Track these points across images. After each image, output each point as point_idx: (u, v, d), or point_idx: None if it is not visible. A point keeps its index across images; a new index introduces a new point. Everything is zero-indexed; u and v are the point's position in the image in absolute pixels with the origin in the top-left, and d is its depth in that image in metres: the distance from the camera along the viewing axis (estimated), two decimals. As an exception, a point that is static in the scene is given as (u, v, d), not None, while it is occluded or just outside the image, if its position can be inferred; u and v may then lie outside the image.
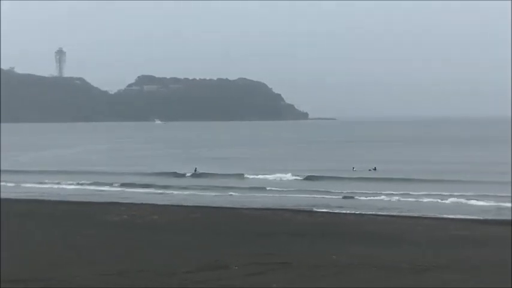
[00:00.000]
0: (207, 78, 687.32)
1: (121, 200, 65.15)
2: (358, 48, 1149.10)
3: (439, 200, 65.85)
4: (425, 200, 66.75)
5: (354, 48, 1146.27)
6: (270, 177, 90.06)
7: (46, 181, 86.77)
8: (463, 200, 65.90)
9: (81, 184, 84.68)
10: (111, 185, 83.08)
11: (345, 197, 70.25)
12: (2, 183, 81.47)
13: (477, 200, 66.02)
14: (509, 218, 53.49)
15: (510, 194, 67.36)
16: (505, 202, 63.85)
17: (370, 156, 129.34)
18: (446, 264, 28.28)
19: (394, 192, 72.41)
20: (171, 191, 76.46)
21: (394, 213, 56.21)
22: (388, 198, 68.59)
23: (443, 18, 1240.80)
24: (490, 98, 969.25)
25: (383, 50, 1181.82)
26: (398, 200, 67.43)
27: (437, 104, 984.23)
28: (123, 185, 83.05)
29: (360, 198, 69.10)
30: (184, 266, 27.01)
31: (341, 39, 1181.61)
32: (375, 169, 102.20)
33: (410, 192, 71.84)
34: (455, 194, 69.80)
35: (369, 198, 69.32)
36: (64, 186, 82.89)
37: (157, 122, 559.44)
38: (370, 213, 56.22)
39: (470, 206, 63.43)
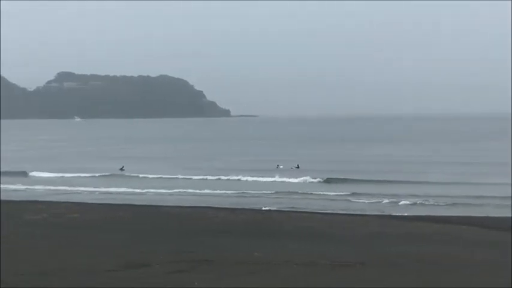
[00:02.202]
0: (128, 75, 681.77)
1: (40, 198, 64.01)
2: (287, 46, 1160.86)
3: (364, 200, 66.72)
4: (348, 198, 67.50)
5: (282, 46, 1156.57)
6: (196, 177, 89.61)
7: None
8: (385, 199, 66.96)
9: None
10: (27, 183, 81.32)
11: (268, 194, 70.51)
12: None
13: (398, 197, 67.26)
14: (428, 214, 54.80)
15: (423, 193, 68.98)
16: (423, 200, 65.25)
17: (294, 154, 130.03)
18: (366, 260, 28.55)
19: (316, 190, 73.14)
20: (92, 189, 75.42)
21: (317, 211, 56.58)
22: (311, 196, 69.08)
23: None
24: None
25: (316, 46, 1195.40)
26: (321, 198, 67.99)
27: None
28: (39, 183, 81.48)
29: (283, 195, 69.42)
30: (106, 264, 26.73)
31: (267, 37, 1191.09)
32: (297, 167, 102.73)
33: (333, 191, 72.58)
34: (373, 192, 71.04)
35: (294, 195, 69.71)
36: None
37: (77, 119, 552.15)
38: (293, 210, 56.46)
39: (390, 203, 64.51)
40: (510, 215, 52.57)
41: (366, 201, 66.07)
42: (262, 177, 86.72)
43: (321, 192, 71.55)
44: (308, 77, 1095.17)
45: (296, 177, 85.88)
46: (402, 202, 65.28)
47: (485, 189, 73.94)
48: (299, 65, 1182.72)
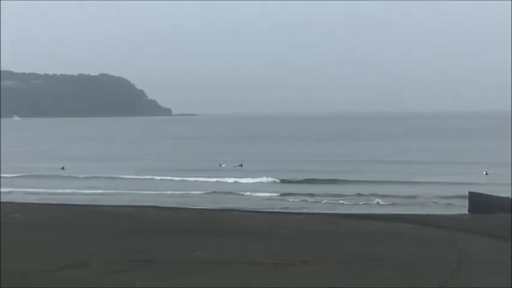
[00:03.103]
0: (68, 73, 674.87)
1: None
2: (228, 46, 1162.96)
3: (308, 199, 67.00)
4: (292, 197, 67.77)
5: (224, 46, 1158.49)
6: (137, 177, 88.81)
7: None
8: (329, 198, 67.37)
9: None
10: None
11: (211, 193, 70.39)
12: None
13: (341, 196, 67.79)
14: (370, 212, 55.20)
15: (366, 192, 69.55)
16: (366, 198, 65.83)
17: (238, 153, 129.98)
18: (309, 259, 28.44)
19: (260, 189, 73.30)
20: (32, 190, 74.27)
21: (260, 209, 56.57)
22: (255, 194, 69.21)
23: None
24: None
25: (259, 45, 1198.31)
26: (267, 197, 68.12)
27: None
28: None
29: (226, 194, 69.33)
30: (46, 265, 26.16)
31: (208, 38, 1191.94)
32: (241, 165, 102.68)
33: (277, 190, 72.77)
34: (317, 191, 71.38)
35: (236, 194, 69.68)
36: None
37: (16, 118, 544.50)
38: (235, 209, 56.34)
39: (333, 202, 64.98)
40: (450, 213, 53.25)
41: (310, 200, 66.37)
42: (205, 177, 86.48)
43: (265, 192, 71.54)
44: (250, 76, 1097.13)
45: (241, 177, 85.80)
46: (346, 201, 65.77)
47: (426, 187, 75.00)
48: (241, 63, 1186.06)
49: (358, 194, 68.93)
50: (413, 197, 67.77)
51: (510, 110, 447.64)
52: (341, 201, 64.73)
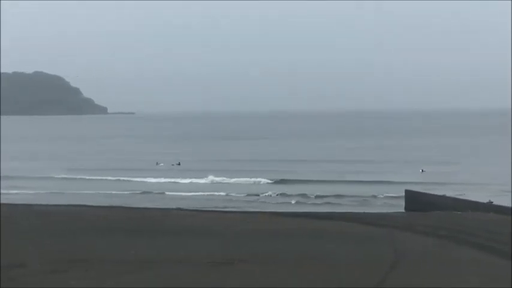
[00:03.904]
0: (2, 71, 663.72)
1: None
2: (162, 45, 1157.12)
3: (248, 197, 67.11)
4: (231, 195, 67.78)
5: (157, 46, 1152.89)
6: (75, 176, 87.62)
7: None
8: (268, 196, 67.61)
9: None
10: None
11: (148, 192, 69.91)
12: None
13: (280, 194, 68.04)
14: (309, 211, 55.42)
15: (303, 191, 69.89)
16: (305, 197, 66.12)
17: (174, 151, 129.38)
18: (247, 257, 28.32)
19: (198, 188, 73.15)
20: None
21: (199, 208, 56.39)
22: (193, 193, 69.01)
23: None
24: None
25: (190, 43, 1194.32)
26: (205, 195, 67.99)
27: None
28: None
29: (165, 193, 68.93)
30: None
31: (144, 39, 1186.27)
32: (179, 164, 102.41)
33: (217, 188, 72.70)
34: (257, 189, 71.50)
35: (173, 193, 69.36)
36: None
37: None
38: (173, 208, 55.99)
39: (272, 200, 65.25)
40: (387, 211, 53.70)
41: (250, 199, 66.54)
42: (142, 177, 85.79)
43: (204, 191, 71.34)
44: (186, 74, 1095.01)
45: (178, 177, 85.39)
46: (287, 199, 66.13)
47: (363, 186, 75.69)
48: (177, 62, 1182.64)
49: (299, 194, 69.26)
50: (352, 195, 68.26)
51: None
52: (281, 200, 64.95)
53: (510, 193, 58.08)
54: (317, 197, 66.61)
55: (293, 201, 64.15)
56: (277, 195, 67.74)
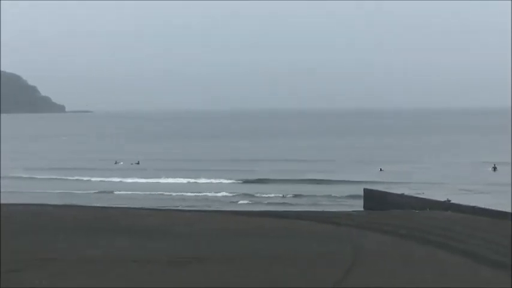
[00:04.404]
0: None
1: None
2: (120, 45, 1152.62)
3: (208, 195, 67.03)
4: (191, 193, 67.72)
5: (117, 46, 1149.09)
6: (34, 176, 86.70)
7: None
8: (227, 195, 67.63)
9: None
10: None
11: (102, 192, 69.51)
12: None
13: (238, 194, 68.09)
14: (267, 209, 55.46)
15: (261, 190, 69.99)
16: (262, 196, 66.19)
17: (133, 150, 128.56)
18: (205, 256, 28.21)
19: (158, 187, 72.83)
20: None
21: (157, 207, 56.15)
22: (153, 192, 68.79)
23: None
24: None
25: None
26: (165, 195, 67.77)
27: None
28: None
29: (120, 192, 68.49)
30: None
31: (101, 37, 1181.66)
32: (138, 163, 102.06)
33: (178, 188, 72.41)
34: (217, 188, 71.43)
35: (131, 192, 69.03)
36: None
37: None
38: (131, 207, 55.68)
39: (230, 199, 65.27)
40: (346, 210, 53.88)
41: (209, 196, 66.48)
42: (101, 176, 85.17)
43: (162, 191, 71.03)
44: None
45: (137, 176, 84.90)
46: (242, 198, 66.11)
47: (322, 185, 76.02)
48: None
49: (258, 193, 69.32)
50: (311, 194, 68.40)
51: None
52: (240, 200, 64.96)
53: (467, 192, 58.50)
54: (277, 196, 66.71)
55: (252, 201, 64.16)
56: (236, 195, 67.75)
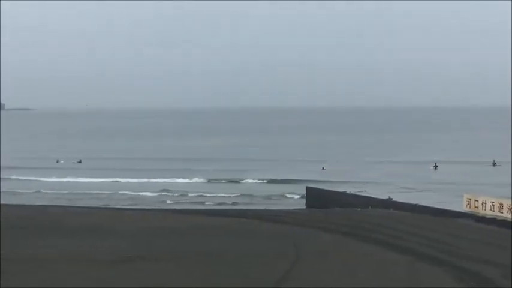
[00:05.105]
0: None
1: None
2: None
3: (148, 193, 66.67)
4: (133, 192, 67.38)
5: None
6: None
7: None
8: (166, 194, 67.34)
9: None
10: None
11: (40, 191, 68.74)
12: None
13: (179, 192, 67.83)
14: (205, 208, 55.35)
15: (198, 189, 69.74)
16: (200, 194, 66.07)
17: (75, 149, 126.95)
18: (147, 254, 28.17)
19: (99, 186, 72.03)
20: None
21: (100, 206, 55.65)
22: (92, 191, 68.16)
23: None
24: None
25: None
26: (106, 194, 67.18)
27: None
28: None
29: (48, 191, 67.90)
30: None
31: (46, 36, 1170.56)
32: (80, 162, 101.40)
33: (119, 187, 71.83)
34: (155, 187, 71.06)
35: (58, 191, 68.37)
36: None
37: None
38: (71, 206, 55.11)
39: (170, 197, 65.03)
40: (289, 208, 53.93)
41: (150, 195, 66.20)
42: (41, 175, 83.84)
43: (104, 190, 70.31)
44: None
45: (78, 175, 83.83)
46: (183, 197, 65.92)
47: (266, 184, 76.22)
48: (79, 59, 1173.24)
49: (203, 192, 69.14)
50: (255, 194, 68.37)
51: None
52: (183, 200, 64.69)
53: (409, 190, 58.87)
54: (219, 196, 66.51)
55: (196, 201, 63.98)
56: (180, 195, 67.46)
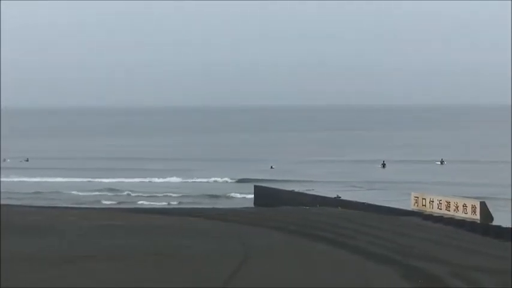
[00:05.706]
0: None
1: None
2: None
3: (90, 193, 66.23)
4: (81, 192, 66.99)
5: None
6: None
7: None
8: (110, 193, 67.03)
9: None
10: None
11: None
12: None
13: (124, 191, 67.56)
14: (154, 207, 54.94)
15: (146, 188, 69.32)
16: (150, 193, 65.58)
17: (21, 148, 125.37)
18: (96, 253, 27.80)
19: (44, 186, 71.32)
20: None
21: (43, 205, 54.91)
22: (40, 190, 67.68)
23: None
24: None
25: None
26: (43, 192, 66.64)
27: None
28: None
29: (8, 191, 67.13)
30: None
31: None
32: (27, 160, 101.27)
33: (68, 186, 71.26)
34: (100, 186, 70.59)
35: (18, 190, 67.79)
36: None
37: None
38: (19, 205, 54.37)
39: (121, 197, 64.73)
40: (236, 207, 53.77)
41: (92, 194, 65.85)
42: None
43: (49, 189, 69.61)
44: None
45: (24, 175, 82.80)
46: (130, 195, 65.70)
47: (214, 183, 76.11)
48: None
49: (149, 192, 68.79)
50: (202, 193, 68.25)
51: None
52: (129, 199, 64.29)
53: (357, 188, 58.94)
54: (166, 195, 66.23)
55: (139, 200, 63.69)
56: (126, 194, 67.08)
